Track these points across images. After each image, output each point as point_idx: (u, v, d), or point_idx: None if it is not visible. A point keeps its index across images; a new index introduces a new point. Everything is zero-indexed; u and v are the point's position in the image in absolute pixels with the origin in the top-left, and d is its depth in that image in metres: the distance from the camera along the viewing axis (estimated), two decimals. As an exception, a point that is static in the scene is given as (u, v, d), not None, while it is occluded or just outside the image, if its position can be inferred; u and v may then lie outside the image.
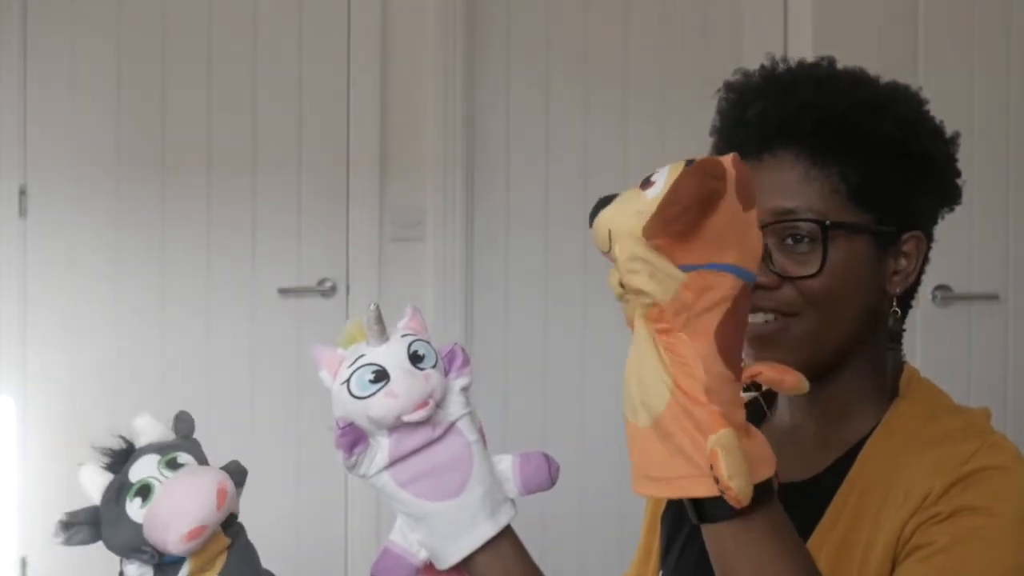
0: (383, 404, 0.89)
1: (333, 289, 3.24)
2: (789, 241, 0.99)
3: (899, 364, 1.06)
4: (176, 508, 0.86)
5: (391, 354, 0.90)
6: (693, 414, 0.73)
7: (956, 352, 3.04)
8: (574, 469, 3.14)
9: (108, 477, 0.90)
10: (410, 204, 3.24)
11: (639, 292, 0.73)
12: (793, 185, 0.99)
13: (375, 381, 0.89)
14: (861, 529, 0.95)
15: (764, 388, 1.10)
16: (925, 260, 1.05)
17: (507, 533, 0.94)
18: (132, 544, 0.87)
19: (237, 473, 0.92)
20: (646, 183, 0.75)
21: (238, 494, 0.92)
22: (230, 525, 0.91)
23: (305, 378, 3.04)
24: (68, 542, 0.88)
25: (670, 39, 3.24)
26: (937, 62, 3.01)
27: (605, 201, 0.77)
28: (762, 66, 1.08)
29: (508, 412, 3.23)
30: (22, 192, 3.21)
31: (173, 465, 0.89)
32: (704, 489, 0.73)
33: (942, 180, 1.06)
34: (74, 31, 3.23)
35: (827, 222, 0.98)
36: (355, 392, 0.89)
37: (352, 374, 0.90)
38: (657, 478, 0.75)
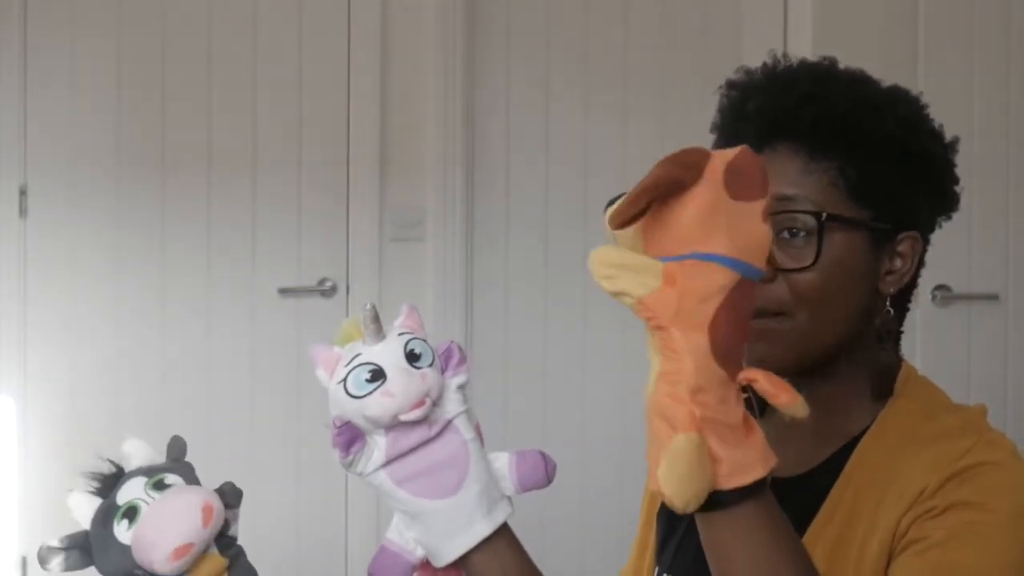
0: (380, 403, 0.89)
1: (333, 289, 3.24)
2: (786, 235, 0.99)
3: (896, 363, 1.06)
4: (162, 527, 0.86)
5: (388, 353, 0.90)
6: (667, 411, 0.72)
7: (956, 352, 3.04)
8: (574, 469, 3.15)
9: (97, 502, 0.90)
10: (410, 204, 3.24)
11: (619, 295, 0.73)
12: (792, 175, 1.00)
13: (372, 380, 0.89)
14: (857, 525, 0.96)
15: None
16: (921, 263, 1.05)
17: (504, 531, 0.94)
18: (123, 568, 0.87)
19: (231, 494, 0.92)
20: None
21: (236, 515, 0.92)
22: (228, 547, 0.91)
23: (305, 378, 3.03)
24: (57, 568, 0.88)
25: (670, 39, 3.24)
26: (937, 62, 3.01)
27: (615, 199, 0.77)
28: (764, 63, 1.09)
29: (508, 412, 3.23)
30: (22, 192, 3.21)
31: (160, 486, 0.89)
32: None
33: (941, 183, 1.06)
34: (74, 31, 3.24)
35: (824, 214, 0.98)
36: (352, 391, 0.89)
37: (349, 373, 0.90)
38: (649, 469, 0.75)
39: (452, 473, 0.92)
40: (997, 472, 0.92)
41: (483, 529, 0.92)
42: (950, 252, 2.95)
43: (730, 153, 0.74)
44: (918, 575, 0.90)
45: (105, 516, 0.88)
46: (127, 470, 0.91)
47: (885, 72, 1.09)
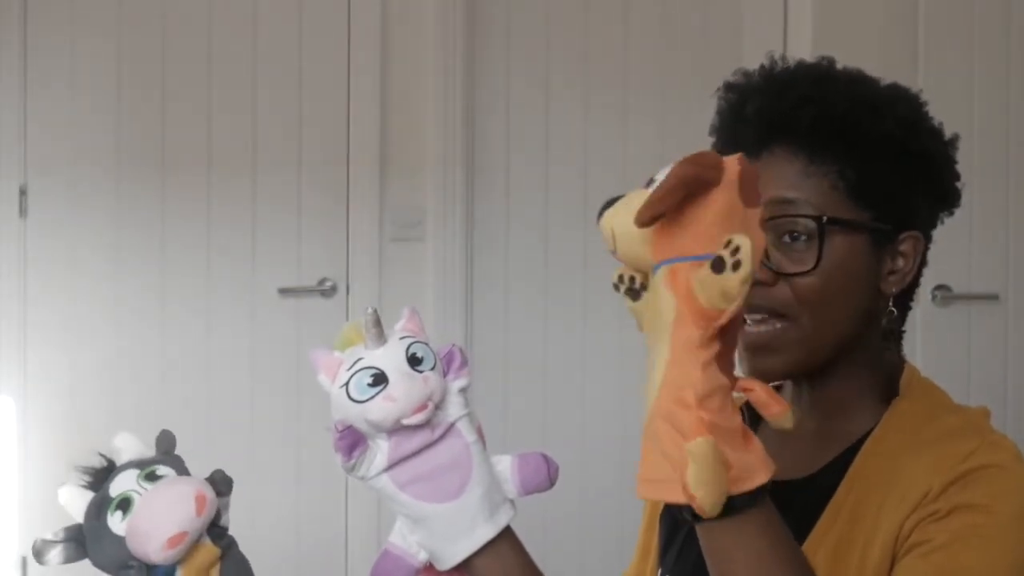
0: (382, 408, 0.89)
1: (333, 289, 3.24)
2: (787, 239, 0.99)
3: (899, 364, 1.06)
4: (156, 517, 0.86)
5: (389, 357, 0.90)
6: (676, 418, 0.73)
7: (956, 352, 3.04)
8: (574, 469, 3.14)
9: (89, 495, 0.90)
10: (410, 204, 3.24)
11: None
12: (792, 178, 0.99)
13: (373, 384, 0.89)
14: (860, 528, 0.95)
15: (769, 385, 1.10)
16: (923, 262, 1.05)
17: (507, 534, 0.94)
18: (118, 559, 0.87)
19: (222, 482, 0.92)
20: (649, 183, 0.76)
21: (227, 504, 0.92)
22: (220, 537, 0.91)
23: (305, 378, 3.03)
24: (53, 561, 0.88)
25: (670, 39, 3.24)
26: (937, 62, 3.01)
27: (612, 202, 0.77)
28: (761, 66, 1.08)
29: (508, 412, 3.23)
30: (22, 192, 3.21)
31: (152, 477, 0.89)
32: (681, 495, 0.73)
33: (941, 181, 1.06)
34: (74, 31, 3.23)
35: (824, 217, 0.98)
36: (354, 396, 0.89)
37: (351, 377, 0.90)
38: (649, 480, 0.75)
39: (455, 477, 0.92)
40: (1001, 475, 0.92)
41: (486, 532, 0.92)
42: (950, 252, 2.95)
43: (736, 160, 0.74)
44: None
45: (98, 508, 0.88)
46: (118, 464, 0.92)
47: (885, 72, 1.08)
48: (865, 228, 1.00)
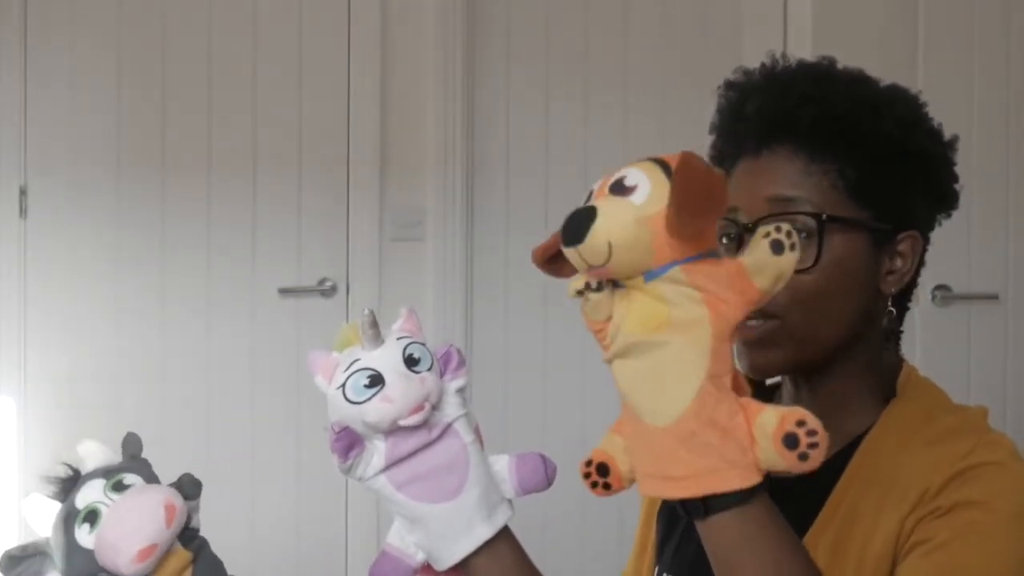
0: (379, 409, 0.89)
1: (333, 289, 3.24)
2: None
3: (897, 364, 1.06)
4: (124, 530, 0.85)
5: (386, 358, 0.90)
6: (723, 406, 0.74)
7: (956, 352, 3.04)
8: (574, 469, 3.12)
9: (55, 506, 0.89)
10: (410, 204, 3.24)
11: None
12: (792, 177, 1.00)
13: (370, 386, 0.89)
14: (858, 525, 0.96)
15: (768, 382, 1.10)
16: (921, 262, 1.05)
17: (504, 534, 0.94)
18: (87, 571, 0.86)
19: (190, 486, 0.91)
20: (621, 188, 0.75)
21: (196, 507, 0.91)
22: (192, 539, 0.90)
23: (305, 378, 3.01)
24: None
25: (670, 39, 3.24)
26: (937, 62, 3.01)
27: (582, 214, 0.75)
28: (762, 64, 1.08)
29: (508, 412, 3.23)
30: (22, 192, 3.21)
31: (119, 487, 0.88)
32: (737, 480, 0.73)
33: (940, 182, 1.06)
34: (74, 31, 3.23)
35: (824, 215, 0.98)
36: (350, 397, 0.89)
37: (347, 379, 0.90)
38: (680, 477, 0.74)
39: (452, 477, 0.92)
40: (1000, 472, 0.93)
41: (484, 532, 0.92)
42: (950, 252, 2.95)
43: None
44: None
45: (66, 521, 0.87)
46: (83, 472, 0.91)
47: (885, 72, 1.08)
48: (864, 227, 1.00)
